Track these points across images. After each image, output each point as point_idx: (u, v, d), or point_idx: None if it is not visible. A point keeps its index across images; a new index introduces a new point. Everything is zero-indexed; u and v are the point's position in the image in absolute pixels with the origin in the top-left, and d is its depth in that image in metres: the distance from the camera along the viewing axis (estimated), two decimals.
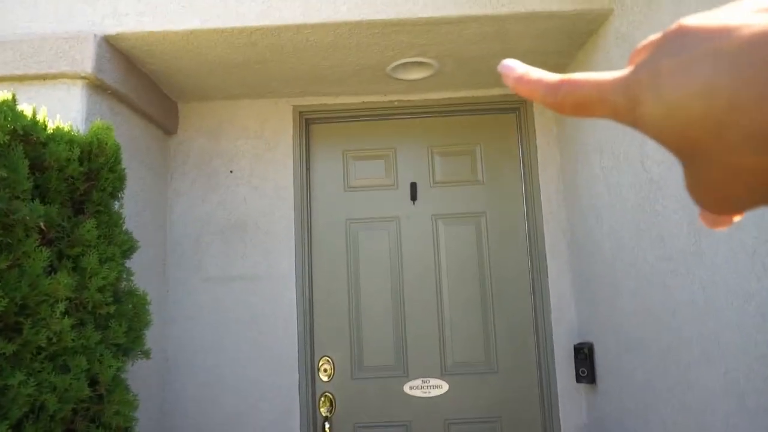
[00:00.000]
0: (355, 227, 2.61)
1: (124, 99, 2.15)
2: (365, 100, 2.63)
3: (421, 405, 2.47)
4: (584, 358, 2.25)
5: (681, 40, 0.25)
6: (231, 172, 2.58)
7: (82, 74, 1.91)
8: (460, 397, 2.47)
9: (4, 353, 1.11)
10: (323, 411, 2.45)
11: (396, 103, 2.63)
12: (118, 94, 2.09)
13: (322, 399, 2.47)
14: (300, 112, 2.63)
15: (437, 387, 2.48)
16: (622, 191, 1.95)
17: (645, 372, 1.85)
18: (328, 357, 2.50)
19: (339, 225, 2.61)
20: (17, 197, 1.17)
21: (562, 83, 0.30)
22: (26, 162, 1.21)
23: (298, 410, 2.41)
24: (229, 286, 2.50)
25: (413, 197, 2.61)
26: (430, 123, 2.68)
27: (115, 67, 2.06)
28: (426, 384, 2.48)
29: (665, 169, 1.65)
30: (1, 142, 1.10)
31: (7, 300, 1.10)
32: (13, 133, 1.21)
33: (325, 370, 2.49)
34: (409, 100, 2.64)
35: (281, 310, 2.48)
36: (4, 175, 1.11)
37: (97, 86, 1.98)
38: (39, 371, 1.21)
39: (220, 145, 2.60)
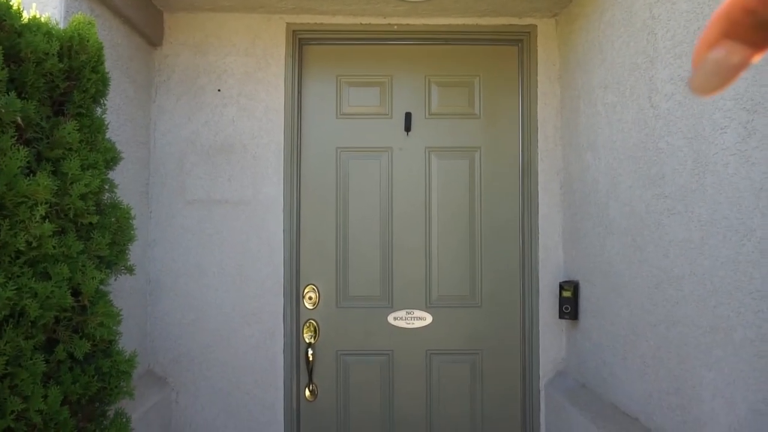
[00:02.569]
0: (346, 156, 2.53)
1: (106, 1, 1.99)
2: (362, 22, 2.50)
3: (404, 335, 2.49)
4: (569, 295, 2.27)
5: None
6: (219, 90, 2.45)
7: None
8: (443, 329, 2.50)
9: None
10: (307, 337, 2.46)
11: (395, 27, 2.50)
12: None
13: (306, 325, 2.47)
14: (294, 31, 2.49)
15: (421, 319, 2.49)
16: (624, 128, 1.90)
17: (630, 310, 1.87)
18: (314, 285, 2.49)
19: (329, 152, 2.53)
20: None
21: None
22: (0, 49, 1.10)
23: (282, 336, 2.41)
24: (213, 209, 2.43)
25: (407, 128, 2.53)
26: (429, 51, 2.56)
27: None
28: (410, 315, 2.49)
29: (675, 103, 1.60)
30: None
31: None
32: None
33: (310, 298, 2.48)
34: (408, 25, 2.51)
35: (267, 236, 2.43)
36: None
37: None
38: (19, 276, 1.15)
39: (207, 60, 2.46)
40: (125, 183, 2.17)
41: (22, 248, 1.14)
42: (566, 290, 2.28)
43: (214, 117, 2.45)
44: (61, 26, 1.72)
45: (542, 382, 2.44)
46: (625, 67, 1.89)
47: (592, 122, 2.15)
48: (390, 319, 2.49)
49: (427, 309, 2.50)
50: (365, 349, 2.49)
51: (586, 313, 2.22)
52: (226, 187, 2.44)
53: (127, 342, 2.12)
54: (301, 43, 2.53)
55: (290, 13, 2.47)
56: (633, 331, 1.85)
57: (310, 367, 2.45)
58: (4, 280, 1.09)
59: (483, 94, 2.55)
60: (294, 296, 2.45)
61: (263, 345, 2.41)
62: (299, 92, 2.52)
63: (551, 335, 2.44)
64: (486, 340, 2.50)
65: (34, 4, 1.48)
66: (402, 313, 2.49)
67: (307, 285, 2.49)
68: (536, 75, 2.51)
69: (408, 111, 2.53)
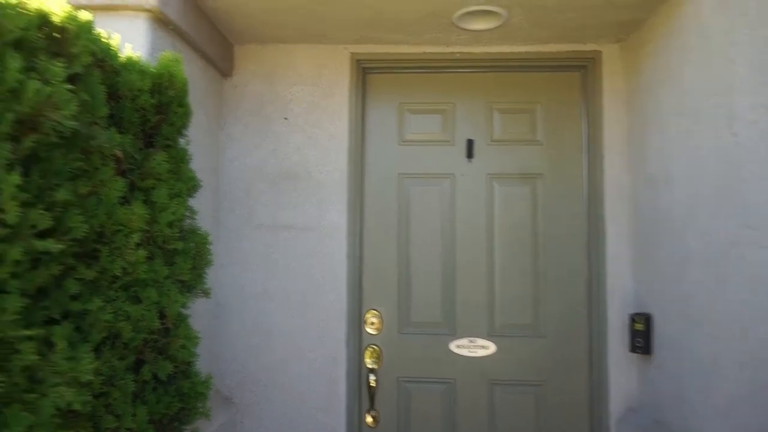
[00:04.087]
0: (408, 182, 2.55)
1: (185, 36, 2.11)
2: (426, 51, 2.54)
3: (466, 364, 2.45)
4: (641, 328, 2.18)
5: None
6: (285, 119, 2.53)
7: (147, 6, 1.86)
8: (507, 359, 2.45)
9: (83, 279, 1.11)
10: (369, 363, 2.46)
11: (458, 55, 2.53)
12: (180, 30, 2.05)
13: (368, 351, 2.47)
14: (357, 60, 2.55)
15: (484, 347, 2.45)
16: (700, 155, 1.84)
17: (712, 347, 1.77)
18: (376, 311, 2.50)
19: (391, 179, 2.56)
20: (96, 123, 1.15)
21: None
22: (103, 88, 1.19)
23: (345, 360, 2.42)
24: (279, 234, 2.50)
25: (469, 155, 2.53)
26: (491, 78, 2.57)
27: (177, 1, 2.01)
28: (473, 344, 2.46)
29: (758, 131, 1.54)
30: (85, 63, 1.07)
31: (86, 226, 1.09)
32: (92, 56, 1.18)
33: (372, 324, 2.48)
34: (471, 53, 2.53)
35: (331, 261, 2.46)
36: (86, 98, 1.08)
37: (160, 20, 1.94)
38: (114, 299, 1.22)
39: (274, 90, 2.55)
40: (198, 208, 2.25)
41: (118, 273, 1.20)
42: (638, 323, 2.20)
43: (280, 145, 2.53)
44: (144, 58, 1.83)
45: (612, 419, 2.34)
46: (700, 93, 1.84)
47: (664, 149, 2.09)
48: (452, 346, 2.46)
49: (489, 337, 2.46)
50: (427, 377, 2.46)
51: (661, 347, 2.12)
52: (292, 213, 2.50)
53: (197, 363, 2.18)
54: (364, 72, 2.59)
55: (355, 43, 2.53)
56: (716, 368, 1.75)
57: (371, 393, 2.44)
58: (103, 303, 1.15)
59: (545, 120, 2.53)
60: (356, 322, 2.47)
61: (326, 370, 2.43)
62: (362, 120, 2.57)
63: (622, 369, 2.35)
64: (551, 371, 2.43)
65: (128, 45, 1.58)
66: (464, 341, 2.46)
67: (370, 310, 2.50)
68: (601, 101, 2.47)
69: (470, 138, 2.53)
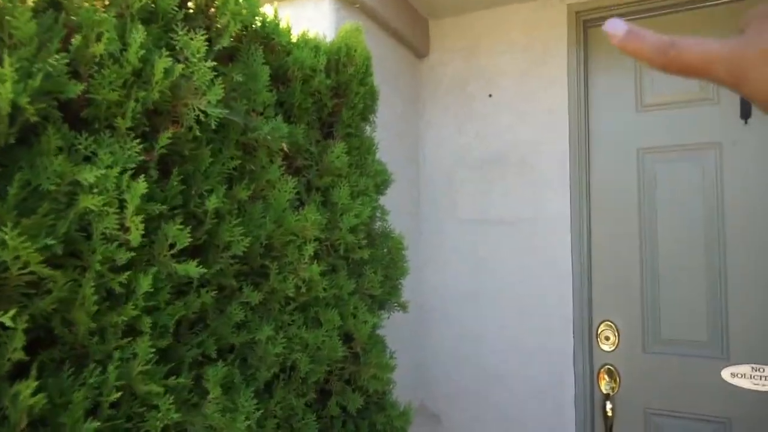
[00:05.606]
0: (651, 159, 1.97)
1: (372, 15, 1.88)
2: None
3: (748, 400, 1.80)
4: None
5: None
6: (490, 96, 2.17)
7: None
8: None
9: (249, 303, 0.91)
10: (604, 387, 1.97)
11: None
12: (366, 8, 1.83)
13: (602, 372, 1.98)
14: (576, 13, 2.05)
15: None
16: None
17: None
18: (611, 322, 1.99)
19: (628, 156, 2.00)
20: (256, 111, 0.94)
21: (671, 46, 0.31)
22: (267, 69, 0.97)
23: (572, 382, 1.97)
24: (487, 229, 2.15)
25: (744, 114, 1.85)
26: None
27: None
28: (758, 373, 1.79)
29: None
30: (233, 34, 0.86)
31: (250, 239, 0.88)
32: (253, 33, 0.98)
33: (607, 338, 1.99)
34: None
35: (551, 260, 2.03)
36: (240, 79, 0.87)
37: (344, 0, 1.74)
38: (289, 324, 1.01)
39: (477, 64, 2.20)
40: (395, 204, 2.02)
41: (291, 294, 0.99)
42: None
43: (485, 127, 2.17)
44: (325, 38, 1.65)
45: None
46: None
47: None
48: (725, 374, 1.83)
49: None
50: (687, 412, 1.87)
51: None
52: (501, 203, 2.12)
53: (398, 373, 1.97)
54: (585, 26, 2.08)
55: None
56: None
57: (608, 424, 1.95)
58: (273, 332, 0.94)
59: None
60: (586, 335, 1.99)
61: (549, 391, 2.01)
62: (586, 86, 2.06)
63: None
64: None
65: (312, 28, 1.39)
66: (745, 369, 1.81)
67: (602, 322, 2.00)
68: None
69: None
